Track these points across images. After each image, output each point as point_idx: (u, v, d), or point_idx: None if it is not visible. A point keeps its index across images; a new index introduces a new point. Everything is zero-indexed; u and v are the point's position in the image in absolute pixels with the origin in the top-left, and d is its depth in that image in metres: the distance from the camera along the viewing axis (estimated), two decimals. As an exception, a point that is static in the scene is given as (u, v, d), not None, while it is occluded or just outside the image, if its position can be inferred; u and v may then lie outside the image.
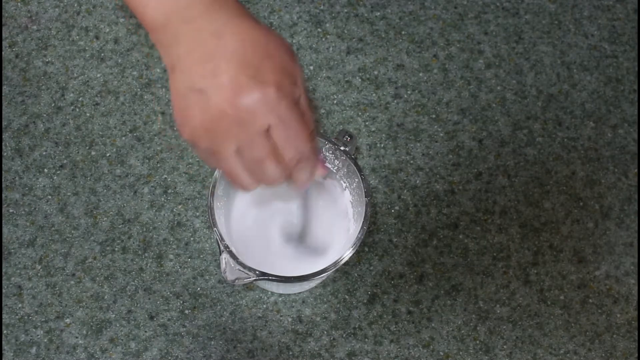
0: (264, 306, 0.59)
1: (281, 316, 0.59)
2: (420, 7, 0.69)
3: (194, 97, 0.40)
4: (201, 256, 0.61)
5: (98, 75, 0.65)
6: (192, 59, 0.40)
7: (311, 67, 0.66)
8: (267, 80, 0.39)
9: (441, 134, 0.65)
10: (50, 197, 0.62)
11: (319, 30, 0.68)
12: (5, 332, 0.58)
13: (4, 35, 0.66)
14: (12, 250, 0.60)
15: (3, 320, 0.58)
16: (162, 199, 0.62)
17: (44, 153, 0.63)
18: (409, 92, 0.66)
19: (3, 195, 0.62)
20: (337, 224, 0.56)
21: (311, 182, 0.44)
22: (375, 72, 0.67)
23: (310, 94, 0.66)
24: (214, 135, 0.40)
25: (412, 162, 0.64)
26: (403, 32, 0.68)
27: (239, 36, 0.40)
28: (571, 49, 0.69)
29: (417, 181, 0.64)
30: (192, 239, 0.61)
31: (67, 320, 0.59)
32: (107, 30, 0.67)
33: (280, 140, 0.40)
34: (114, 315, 0.59)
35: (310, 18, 0.68)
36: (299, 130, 0.40)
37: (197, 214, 0.62)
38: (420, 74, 0.67)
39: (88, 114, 0.64)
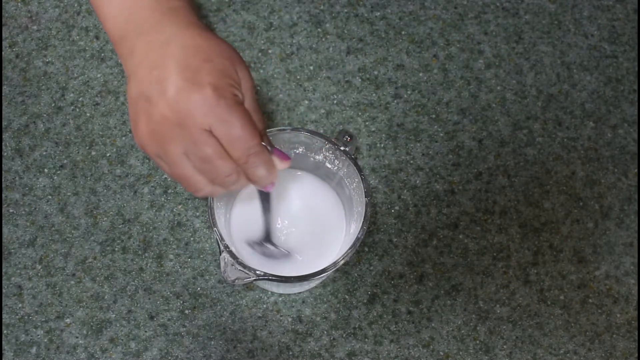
0: (264, 306, 0.60)
1: (281, 316, 0.59)
2: (420, 7, 0.69)
3: (142, 104, 0.42)
4: (201, 256, 0.61)
5: (98, 75, 0.65)
6: (143, 67, 0.42)
7: (311, 67, 0.66)
8: (203, 83, 0.40)
9: (441, 134, 0.65)
10: (50, 197, 0.62)
11: (319, 30, 0.68)
12: (5, 332, 0.58)
13: (4, 35, 0.66)
14: (12, 250, 0.60)
15: (3, 320, 0.58)
16: (162, 199, 0.62)
17: (44, 153, 0.63)
18: (409, 92, 0.66)
19: (3, 195, 0.62)
20: (324, 226, 0.56)
21: (274, 177, 0.45)
22: (375, 72, 0.67)
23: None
24: (159, 140, 0.42)
25: (412, 162, 0.64)
26: (403, 32, 0.68)
27: (183, 44, 0.42)
28: (571, 49, 0.69)
29: (417, 181, 0.64)
30: (192, 239, 0.61)
31: (67, 320, 0.59)
32: (107, 30, 0.67)
33: (223, 139, 0.42)
34: (114, 315, 0.59)
35: (310, 18, 0.68)
36: (242, 127, 0.41)
37: (197, 214, 0.62)
38: (420, 74, 0.67)
39: (88, 114, 0.64)
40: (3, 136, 0.63)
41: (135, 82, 0.43)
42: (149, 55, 0.43)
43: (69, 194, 0.62)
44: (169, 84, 0.41)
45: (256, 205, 0.55)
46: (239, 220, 0.56)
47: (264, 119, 0.46)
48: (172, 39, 0.43)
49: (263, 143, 0.44)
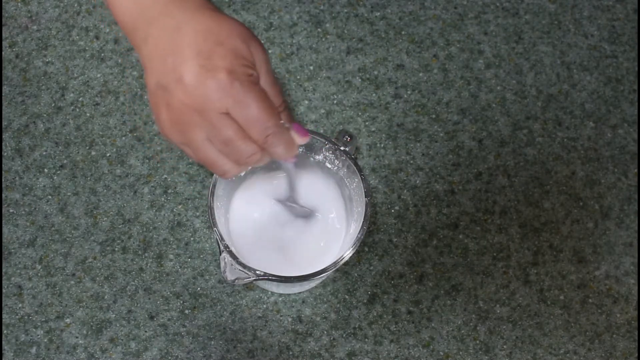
0: (264, 306, 0.60)
1: (281, 316, 0.59)
2: (420, 7, 0.69)
3: (160, 94, 0.42)
4: (201, 256, 0.61)
5: (98, 75, 0.65)
6: (157, 56, 0.43)
7: (311, 67, 0.66)
8: (217, 66, 0.41)
9: (441, 134, 0.65)
10: (50, 197, 0.62)
11: (319, 30, 0.68)
12: (5, 332, 0.58)
13: (4, 35, 0.66)
14: (12, 250, 0.60)
15: (3, 320, 0.58)
16: (162, 199, 0.62)
17: (44, 153, 0.63)
18: (409, 92, 0.66)
19: (3, 195, 0.62)
20: (330, 190, 0.57)
21: (294, 152, 0.45)
22: (375, 72, 0.67)
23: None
24: (181, 128, 0.43)
25: (412, 162, 0.64)
26: (403, 32, 0.68)
27: (194, 28, 0.42)
28: (571, 49, 0.69)
29: (417, 181, 0.64)
30: (192, 239, 0.61)
31: (67, 320, 0.59)
32: (107, 30, 0.67)
33: (241, 121, 0.42)
34: (114, 315, 0.59)
35: (310, 18, 0.68)
36: (258, 108, 0.42)
37: (197, 214, 0.62)
38: (420, 74, 0.67)
39: (88, 114, 0.64)
40: (3, 136, 0.63)
41: (152, 72, 0.43)
42: (161, 43, 0.43)
43: (69, 194, 0.62)
44: (184, 71, 0.41)
45: (256, 203, 0.55)
46: (239, 220, 0.56)
47: (281, 91, 0.46)
48: (183, 24, 0.43)
49: (281, 121, 0.44)
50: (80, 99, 0.65)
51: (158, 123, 0.44)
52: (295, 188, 0.54)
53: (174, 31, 0.43)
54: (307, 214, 0.55)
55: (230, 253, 0.47)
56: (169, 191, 0.62)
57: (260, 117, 0.42)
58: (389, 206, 0.63)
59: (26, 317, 0.59)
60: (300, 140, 0.46)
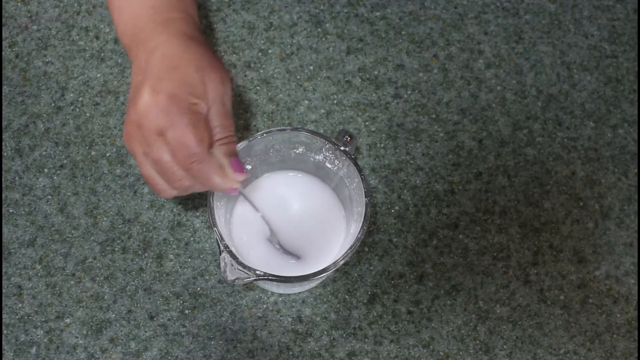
0: (264, 306, 0.60)
1: (281, 316, 0.59)
2: (420, 7, 0.69)
3: (129, 109, 0.47)
4: (201, 256, 0.61)
5: (98, 75, 0.65)
6: (134, 74, 0.48)
7: (311, 67, 0.66)
8: (162, 89, 0.45)
9: (441, 134, 0.65)
10: (50, 197, 0.62)
11: (319, 30, 0.68)
12: (5, 332, 0.58)
13: (4, 35, 0.66)
14: (12, 250, 0.60)
15: (3, 320, 0.58)
16: (162, 199, 0.62)
17: (44, 153, 0.63)
18: (409, 92, 0.66)
19: (3, 195, 0.62)
20: (330, 190, 0.57)
21: (224, 185, 0.47)
22: (375, 72, 0.67)
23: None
24: (128, 140, 0.47)
25: (412, 162, 0.64)
26: (403, 32, 0.68)
27: (163, 52, 0.47)
28: (571, 49, 0.69)
29: (417, 181, 0.64)
30: (192, 239, 0.61)
31: (67, 320, 0.59)
32: (107, 30, 0.67)
33: (171, 143, 0.45)
34: (114, 315, 0.59)
35: (310, 18, 0.68)
36: (186, 134, 0.44)
37: (197, 214, 0.62)
38: (420, 74, 0.67)
39: (88, 114, 0.64)
40: (3, 136, 0.63)
41: (131, 86, 0.48)
42: (140, 63, 0.47)
43: (69, 194, 0.62)
44: (142, 89, 0.45)
45: (258, 205, 0.55)
46: (239, 221, 0.56)
47: (232, 125, 0.48)
48: (158, 47, 0.47)
49: (215, 150, 0.46)
50: (80, 99, 0.65)
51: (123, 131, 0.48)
52: (273, 230, 0.54)
53: (150, 53, 0.47)
54: (294, 256, 0.55)
55: (230, 253, 0.47)
56: (169, 191, 0.62)
57: (187, 143, 0.44)
58: (389, 206, 0.63)
59: (26, 317, 0.59)
60: (234, 176, 0.47)
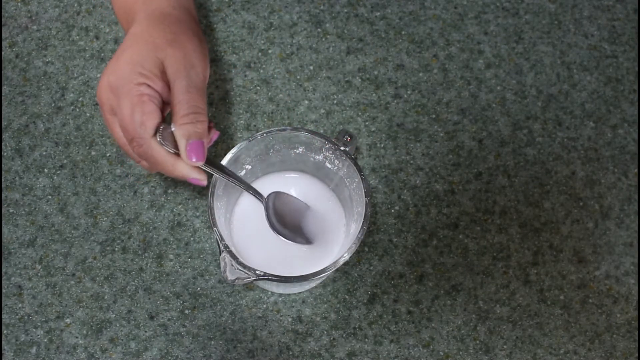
0: (264, 306, 0.59)
1: (281, 316, 0.59)
2: (420, 7, 0.69)
3: None
4: (201, 256, 0.61)
5: (98, 75, 0.65)
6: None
7: (311, 67, 0.66)
8: (115, 69, 0.45)
9: (441, 134, 0.65)
10: (50, 197, 0.62)
11: (319, 30, 0.68)
12: (5, 332, 0.58)
13: (4, 35, 0.66)
14: (12, 250, 0.60)
15: (3, 320, 0.58)
16: (162, 199, 0.62)
17: (44, 153, 0.63)
18: (409, 92, 0.66)
19: (3, 195, 0.62)
20: (330, 190, 0.57)
21: (164, 169, 0.47)
22: (375, 72, 0.67)
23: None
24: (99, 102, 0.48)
25: (412, 162, 0.64)
26: (403, 32, 0.68)
27: (132, 31, 0.48)
28: (571, 49, 0.69)
29: (417, 181, 0.64)
30: (192, 239, 0.61)
31: (67, 320, 0.59)
32: (107, 30, 0.67)
33: (119, 122, 0.46)
34: (114, 315, 0.59)
35: (310, 18, 0.68)
36: (127, 116, 0.45)
37: (197, 214, 0.62)
38: (420, 74, 0.67)
39: (88, 114, 0.64)
40: (3, 136, 0.63)
41: None
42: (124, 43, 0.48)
43: (69, 194, 0.62)
44: (107, 66, 0.47)
45: (258, 205, 0.55)
46: (239, 220, 0.56)
47: (199, 104, 0.45)
48: (132, 27, 0.48)
49: (175, 130, 0.45)
50: (80, 99, 0.65)
51: None
52: (269, 216, 0.53)
53: (126, 34, 0.48)
54: (305, 241, 0.54)
55: (230, 253, 0.47)
56: (169, 191, 0.62)
57: (126, 126, 0.45)
58: (389, 206, 0.63)
59: (26, 317, 0.59)
60: (188, 161, 0.45)
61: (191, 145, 0.44)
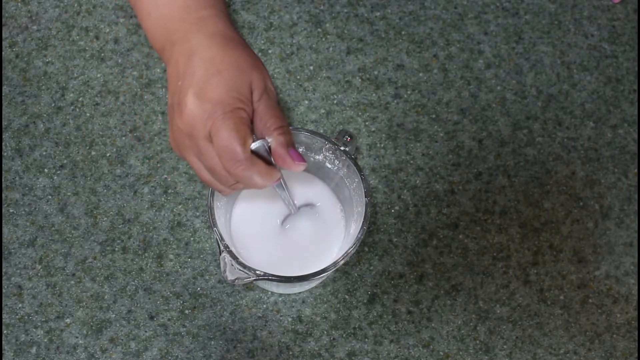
0: (264, 306, 0.59)
1: (281, 316, 0.59)
2: (420, 7, 0.69)
3: (171, 113, 0.46)
4: (201, 256, 0.61)
5: (98, 75, 0.65)
6: (173, 78, 0.46)
7: (311, 67, 0.66)
8: (207, 96, 0.44)
9: (441, 134, 0.65)
10: (50, 197, 0.62)
11: (319, 30, 0.68)
12: (5, 332, 0.58)
13: (4, 35, 0.66)
14: (12, 250, 0.60)
15: (3, 320, 0.58)
16: (162, 199, 0.62)
17: (44, 153, 0.63)
18: (409, 92, 0.66)
19: (3, 195, 0.62)
20: (330, 190, 0.57)
21: (269, 182, 0.46)
22: (375, 72, 0.67)
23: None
24: (179, 147, 0.46)
25: (412, 162, 0.64)
26: (403, 32, 0.68)
27: (202, 56, 0.45)
28: (571, 49, 0.69)
29: (417, 181, 0.64)
30: (192, 239, 0.61)
31: (67, 320, 0.59)
32: (107, 30, 0.67)
33: (216, 149, 0.44)
34: (114, 315, 0.59)
35: (310, 18, 0.68)
36: (226, 140, 0.44)
37: (197, 214, 0.62)
38: (420, 74, 0.67)
39: (88, 114, 0.64)
40: (3, 136, 0.63)
41: (169, 91, 0.46)
42: (179, 66, 0.46)
43: (69, 194, 0.62)
44: (183, 96, 0.44)
45: (258, 205, 0.55)
46: (239, 221, 0.56)
47: (283, 116, 0.47)
48: (196, 49, 0.46)
49: (272, 141, 0.45)
50: (80, 99, 0.65)
51: (169, 138, 0.47)
52: (288, 202, 0.53)
53: (188, 56, 0.46)
54: (310, 206, 0.55)
55: (230, 253, 0.47)
56: (169, 191, 0.62)
57: (227, 148, 0.44)
58: (389, 206, 0.63)
59: (26, 317, 0.59)
60: (295, 166, 0.46)
61: (292, 151, 0.46)
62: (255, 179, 0.45)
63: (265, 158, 0.46)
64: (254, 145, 0.45)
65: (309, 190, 0.57)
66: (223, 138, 0.43)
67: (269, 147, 0.46)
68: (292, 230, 0.55)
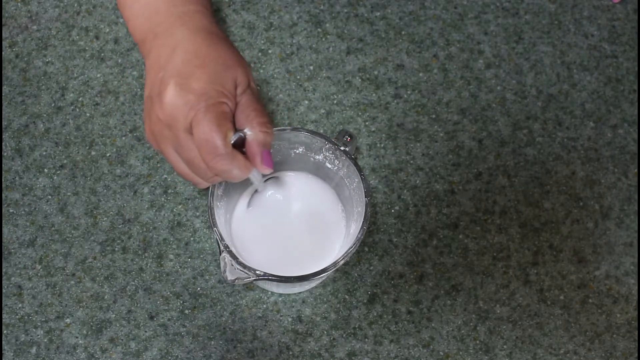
0: (264, 306, 0.60)
1: (281, 316, 0.59)
2: (420, 7, 0.69)
3: (148, 105, 0.46)
4: (201, 256, 0.61)
5: (98, 75, 0.65)
6: (153, 69, 0.46)
7: (311, 67, 0.66)
8: (190, 88, 0.44)
9: (441, 134, 0.65)
10: (50, 197, 0.62)
11: (319, 30, 0.68)
12: (5, 332, 0.58)
13: (4, 35, 0.66)
14: (12, 250, 0.60)
15: (3, 320, 0.58)
16: (162, 199, 0.62)
17: (44, 153, 0.63)
18: (409, 92, 0.66)
19: (3, 195, 0.62)
20: (330, 190, 0.57)
21: (243, 176, 0.46)
22: (375, 72, 0.67)
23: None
24: (156, 139, 0.46)
25: (412, 162, 0.64)
26: (403, 32, 0.68)
27: (186, 49, 0.45)
28: (571, 49, 0.69)
29: (417, 181, 0.64)
30: (192, 239, 0.61)
31: (67, 320, 0.59)
32: (107, 30, 0.67)
33: (196, 141, 0.44)
34: (114, 315, 0.59)
35: (310, 18, 0.68)
36: (206, 132, 0.43)
37: (197, 214, 0.62)
38: (420, 74, 0.67)
39: (88, 114, 0.64)
40: (3, 136, 0.63)
41: (147, 82, 0.46)
42: (159, 58, 0.46)
43: (69, 194, 0.62)
44: (164, 87, 0.44)
45: (259, 203, 0.55)
46: (239, 220, 0.56)
47: (265, 112, 0.47)
48: (180, 43, 0.46)
49: (251, 136, 0.45)
50: (80, 99, 0.65)
51: (145, 130, 0.47)
52: (259, 180, 0.53)
53: (170, 49, 0.46)
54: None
55: (230, 253, 0.47)
56: (169, 191, 0.62)
57: (208, 140, 0.44)
58: (389, 206, 0.63)
59: (26, 317, 0.59)
60: (262, 168, 0.47)
61: (265, 154, 0.46)
62: (234, 173, 0.45)
63: (239, 148, 0.46)
64: (233, 138, 0.45)
65: (309, 190, 0.57)
66: (204, 131, 0.43)
67: (244, 138, 0.46)
68: (292, 231, 0.55)
